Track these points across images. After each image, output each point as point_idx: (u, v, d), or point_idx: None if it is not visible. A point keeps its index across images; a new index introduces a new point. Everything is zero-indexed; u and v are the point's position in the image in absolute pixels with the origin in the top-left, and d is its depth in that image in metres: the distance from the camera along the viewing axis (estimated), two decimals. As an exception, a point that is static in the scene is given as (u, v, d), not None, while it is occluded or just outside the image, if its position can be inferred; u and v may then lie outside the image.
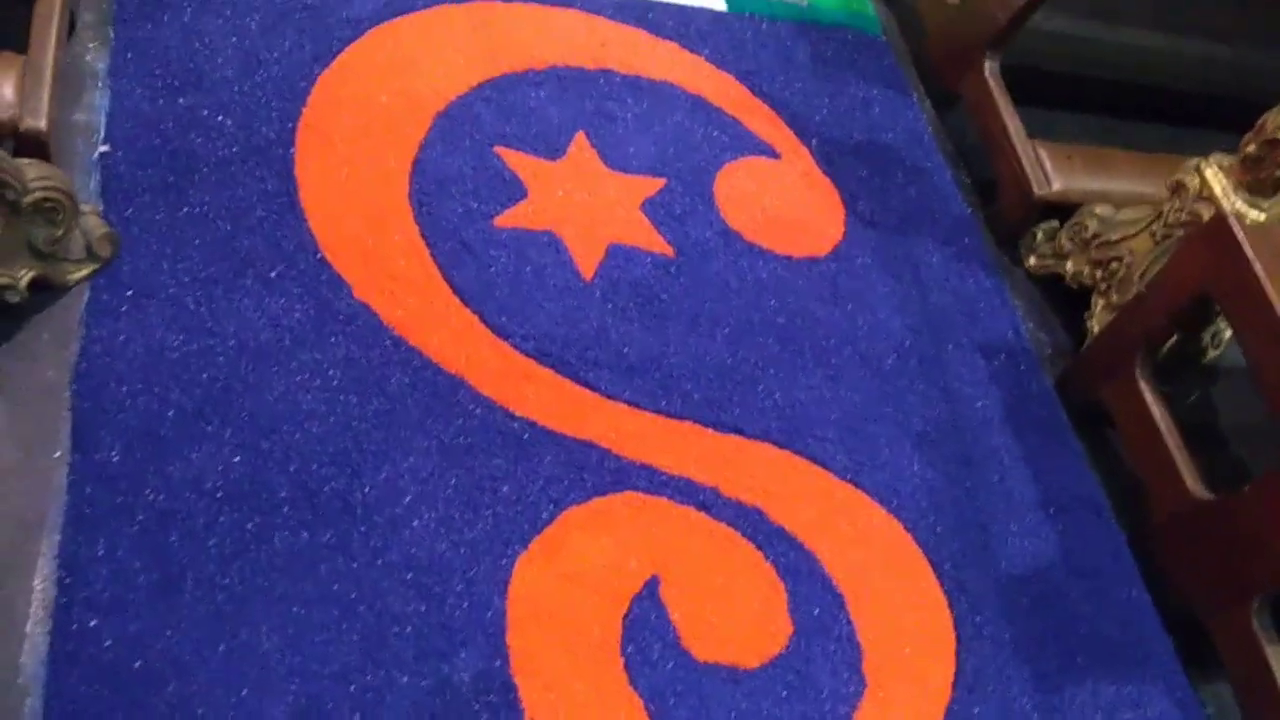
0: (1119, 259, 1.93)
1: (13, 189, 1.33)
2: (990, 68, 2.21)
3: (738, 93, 2.22)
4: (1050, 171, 2.10)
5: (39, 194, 1.36)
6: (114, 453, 1.38)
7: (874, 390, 1.85)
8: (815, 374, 1.83)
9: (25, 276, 1.41)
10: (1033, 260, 2.15)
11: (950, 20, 2.32)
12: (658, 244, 1.91)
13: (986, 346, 2.00)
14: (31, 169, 1.36)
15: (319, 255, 1.67)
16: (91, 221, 1.49)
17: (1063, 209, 2.12)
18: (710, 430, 1.70)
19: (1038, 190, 2.09)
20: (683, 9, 2.33)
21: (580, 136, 2.01)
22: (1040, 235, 2.13)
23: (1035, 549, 1.74)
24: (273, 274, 1.63)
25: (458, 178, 1.86)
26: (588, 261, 1.84)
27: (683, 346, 1.78)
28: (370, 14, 2.03)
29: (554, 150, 1.97)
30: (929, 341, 1.96)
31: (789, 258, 1.98)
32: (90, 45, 1.77)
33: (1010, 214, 2.16)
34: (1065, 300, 2.12)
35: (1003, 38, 2.18)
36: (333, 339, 1.59)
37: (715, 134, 2.13)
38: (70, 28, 1.74)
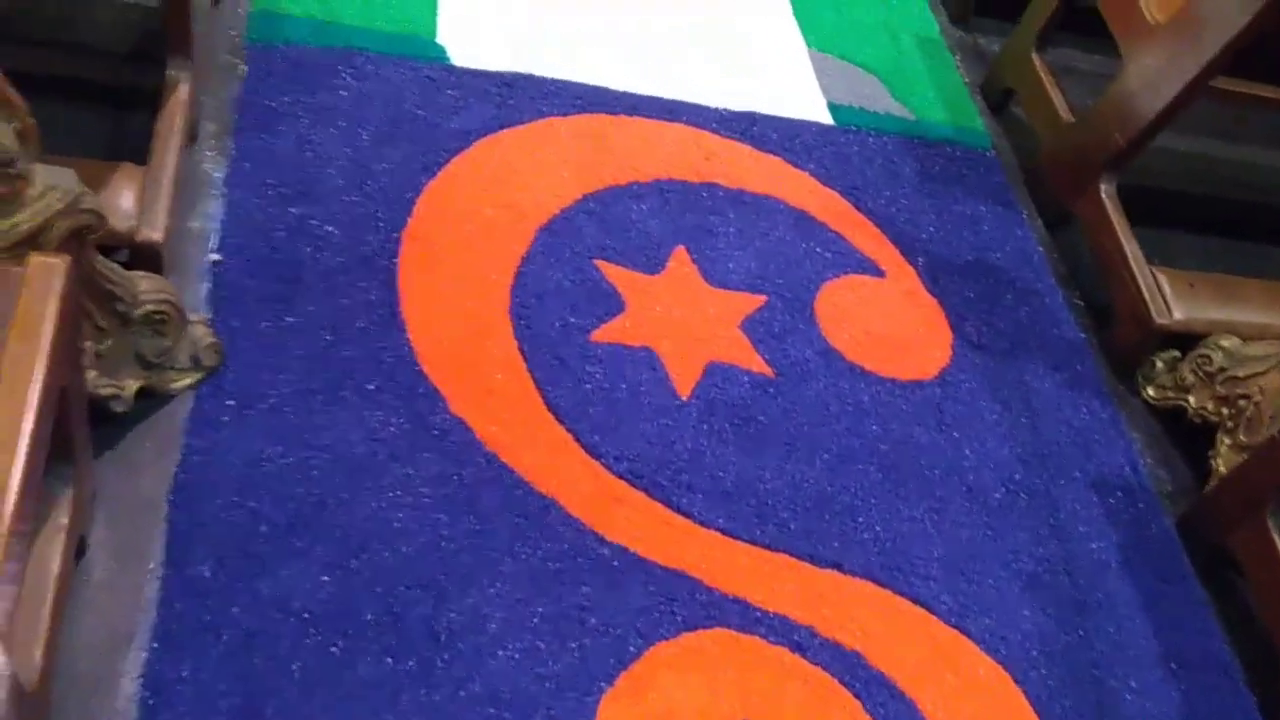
0: (1247, 397, 1.83)
1: (124, 302, 1.35)
2: (1107, 189, 2.14)
3: (842, 208, 2.19)
4: (1171, 299, 2.01)
5: (149, 307, 1.38)
6: (205, 568, 1.37)
7: (981, 526, 1.77)
8: (919, 506, 1.76)
9: (132, 386, 1.43)
10: (1151, 391, 2.05)
11: (1065, 138, 2.27)
12: (756, 363, 1.87)
13: (1101, 482, 1.90)
14: (143, 282, 1.39)
15: (417, 368, 1.67)
16: (199, 331, 1.51)
17: (1184, 338, 2.02)
18: (807, 564, 1.63)
19: (1157, 319, 2.00)
20: (789, 122, 2.32)
21: (681, 251, 1.99)
22: (1160, 365, 2.03)
23: (1155, 711, 1.61)
24: (371, 386, 1.62)
25: (557, 291, 1.85)
26: (685, 380, 1.80)
27: (780, 472, 1.72)
28: (478, 126, 2.05)
29: (654, 264, 1.95)
30: (1040, 475, 1.87)
31: (893, 380, 1.92)
32: (209, 154, 1.82)
33: (1127, 342, 2.07)
34: (1187, 435, 2.00)
35: (1121, 159, 2.11)
36: (426, 454, 1.57)
37: (818, 250, 2.09)
38: (192, 137, 1.79)
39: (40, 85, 1.76)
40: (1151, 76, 2.03)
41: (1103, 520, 1.85)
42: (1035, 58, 2.40)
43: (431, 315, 1.74)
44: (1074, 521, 1.83)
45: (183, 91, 1.65)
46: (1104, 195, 2.13)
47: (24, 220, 1.16)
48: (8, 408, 0.97)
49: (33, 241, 1.18)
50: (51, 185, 1.18)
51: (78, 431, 1.18)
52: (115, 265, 1.34)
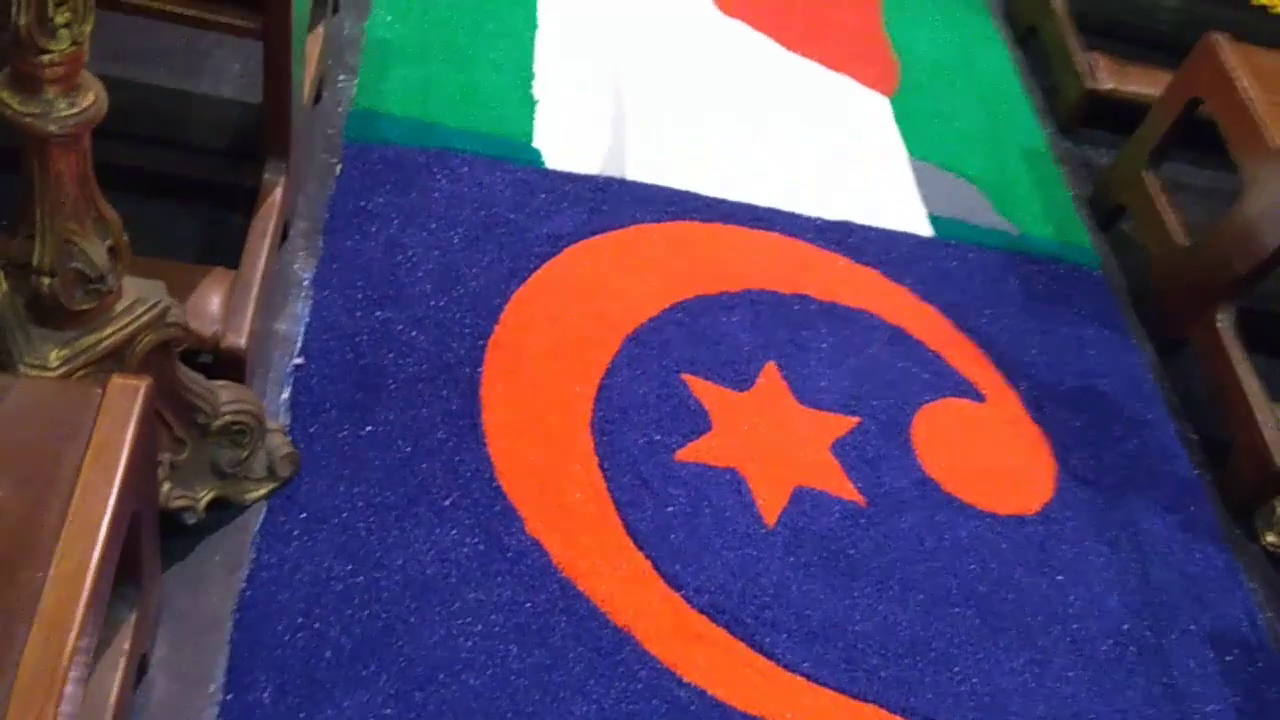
0: (1386, 556, 1.68)
1: (204, 413, 1.33)
2: (1224, 319, 2.02)
3: (941, 326, 2.10)
4: (1296, 441, 1.87)
5: (229, 418, 1.36)
6: (266, 693, 1.32)
7: (1086, 681, 1.64)
8: (1019, 656, 1.63)
9: (205, 497, 1.39)
10: (1271, 538, 1.90)
11: (1180, 262, 2.16)
12: (848, 490, 1.77)
13: (1217, 636, 1.76)
14: (225, 392, 1.36)
15: (495, 484, 1.61)
16: (276, 440, 1.48)
17: (1310, 483, 1.88)
18: (898, 718, 1.52)
19: (1279, 462, 1.86)
20: (887, 234, 2.25)
21: (771, 366, 1.92)
22: (1282, 511, 1.89)
23: None
24: (447, 502, 1.57)
25: (642, 405, 1.79)
26: (771, 506, 1.72)
27: (870, 612, 1.62)
28: (570, 231, 2.03)
29: (743, 380, 1.89)
30: (1150, 626, 1.73)
31: (993, 515, 1.81)
32: (300, 254, 1.81)
33: (1245, 483, 1.93)
34: (1313, 588, 1.86)
35: (1240, 288, 2.00)
36: (499, 579, 1.51)
37: (915, 370, 2.00)
38: (284, 236, 1.79)
39: (142, 182, 1.80)
40: (1275, 203, 1.93)
41: (1219, 679, 1.71)
42: (1147, 175, 2.30)
43: (513, 427, 1.69)
44: (1188, 680, 1.69)
45: (277, 194, 1.64)
46: (1221, 326, 2.01)
47: (110, 334, 1.14)
48: (79, 541, 0.93)
49: (118, 355, 1.16)
50: (139, 299, 1.17)
51: (148, 555, 1.14)
52: (198, 376, 1.32)
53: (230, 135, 1.89)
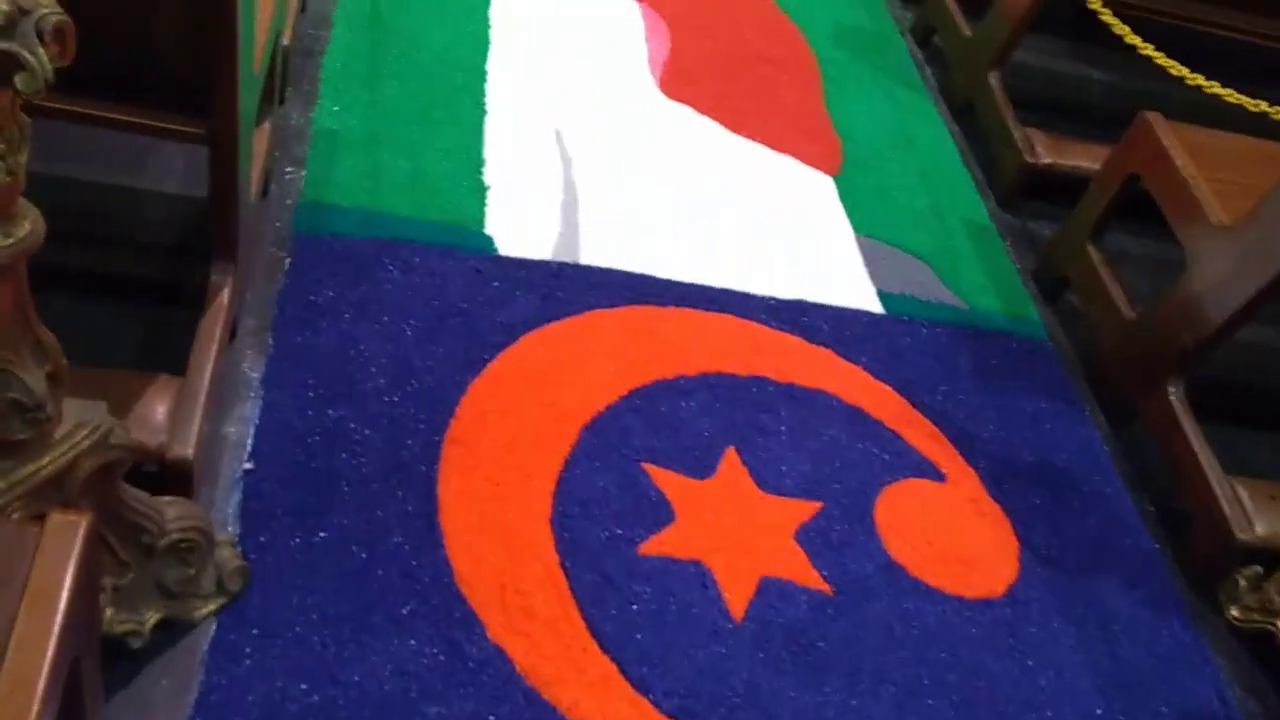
0: (1348, 628, 1.69)
1: (150, 533, 1.27)
2: (1175, 392, 2.04)
3: (897, 405, 2.10)
4: (1252, 513, 1.89)
5: (176, 536, 1.30)
6: (217, 829, 1.25)
7: (1062, 769, 1.61)
8: (993, 747, 1.61)
9: (151, 619, 1.33)
10: (1235, 612, 1.90)
11: (1127, 335, 2.19)
12: (813, 579, 1.75)
13: (1190, 716, 1.75)
14: (171, 508, 1.31)
15: (454, 588, 1.57)
16: (225, 553, 1.42)
17: (1268, 553, 1.89)
18: (875, 819, 1.48)
19: (1238, 534, 1.88)
20: (839, 311, 2.26)
21: (731, 452, 1.90)
22: (1243, 584, 1.89)
23: None
24: (405, 610, 1.52)
25: (602, 498, 1.76)
26: (738, 598, 1.69)
27: (844, 708, 1.59)
28: (524, 319, 2.00)
29: (704, 468, 1.86)
30: (1123, 710, 1.72)
31: (959, 599, 1.80)
32: (248, 352, 1.77)
33: (1206, 556, 1.94)
34: (1277, 659, 1.86)
35: (1190, 361, 2.03)
36: (461, 690, 1.46)
37: (875, 451, 2.00)
38: (231, 335, 1.74)
39: (85, 282, 1.75)
40: (1220, 279, 1.96)
41: (1193, 760, 1.70)
42: (1090, 249, 2.35)
43: (471, 526, 1.65)
44: (1162, 762, 1.68)
45: (224, 296, 1.60)
46: (1173, 399, 2.04)
47: (49, 463, 1.09)
48: (13, 699, 0.87)
49: (58, 482, 1.11)
50: (80, 422, 1.12)
51: (89, 697, 1.08)
52: (142, 495, 1.26)
53: (176, 231, 1.85)
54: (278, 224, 1.98)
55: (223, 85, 1.37)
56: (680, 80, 2.75)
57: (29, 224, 0.95)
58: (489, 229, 2.15)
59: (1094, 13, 2.57)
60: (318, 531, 1.57)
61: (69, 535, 0.96)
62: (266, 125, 1.89)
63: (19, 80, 0.82)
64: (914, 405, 2.12)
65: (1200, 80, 2.18)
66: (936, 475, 1.99)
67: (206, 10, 1.30)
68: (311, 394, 1.74)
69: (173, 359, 1.58)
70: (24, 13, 0.82)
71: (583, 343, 2.01)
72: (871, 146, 2.76)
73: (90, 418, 1.12)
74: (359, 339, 1.86)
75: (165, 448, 1.43)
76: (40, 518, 0.97)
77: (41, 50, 0.82)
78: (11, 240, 0.94)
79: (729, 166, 2.55)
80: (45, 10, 0.83)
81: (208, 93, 1.38)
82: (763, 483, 1.87)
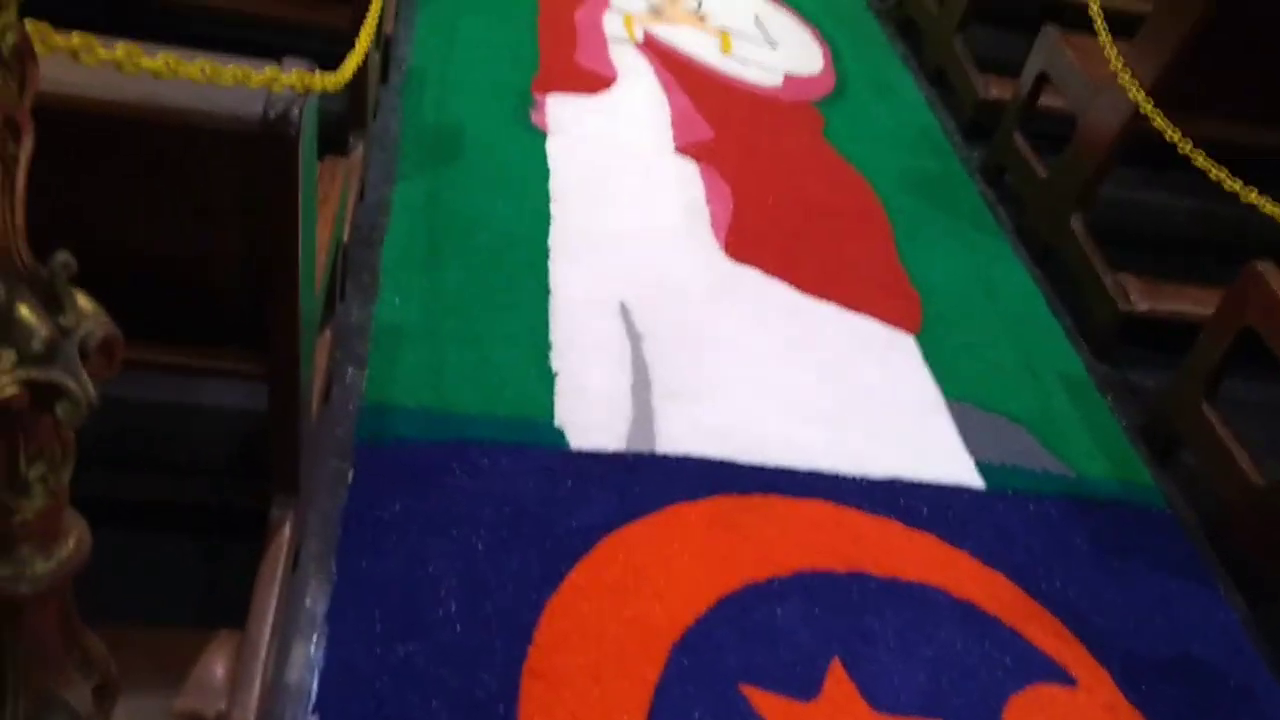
0: None
1: (208, 836, 1.12)
2: (1325, 571, 1.84)
3: (1012, 596, 1.92)
4: None
5: (236, 834, 1.15)
6: None
7: None
8: None
9: None
10: None
11: (1257, 503, 1.99)
12: (942, 817, 1.55)
13: None
14: (232, 801, 1.16)
15: None
16: (291, 836, 1.27)
17: None
18: None
19: None
20: (937, 489, 2.10)
21: (837, 665, 1.73)
22: None
23: None
24: None
25: (700, 731, 1.59)
26: (859, 847, 1.49)
27: None
28: (600, 520, 1.86)
29: (808, 686, 1.69)
30: None
31: (1108, 834, 1.58)
32: (311, 581, 1.64)
33: (1385, 765, 1.71)
34: None
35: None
36: None
37: (995, 654, 1.81)
38: (294, 564, 1.62)
39: (139, 509, 1.65)
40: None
41: None
42: (1206, 407, 2.17)
43: (557, 776, 1.49)
44: None
45: (285, 532, 1.49)
46: (1324, 579, 1.83)
47: (94, 788, 0.96)
48: None
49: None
50: (129, 736, 0.99)
51: None
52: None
53: (235, 448, 1.75)
54: (339, 432, 1.88)
55: (283, 323, 1.27)
56: (746, 241, 2.65)
57: (73, 541, 0.84)
58: (559, 420, 2.03)
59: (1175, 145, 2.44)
60: (391, 795, 1.42)
61: None
62: (328, 334, 1.81)
63: (60, 409, 0.72)
64: (1030, 594, 1.93)
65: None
66: (1067, 680, 1.80)
67: (267, 250, 1.22)
68: (379, 628, 1.60)
69: (232, 597, 1.46)
70: (65, 333, 0.72)
71: (664, 545, 1.86)
72: (952, 299, 2.63)
73: (140, 728, 1.00)
74: (427, 558, 1.73)
75: (224, 716, 1.29)
76: None
77: (85, 375, 0.72)
78: (53, 562, 0.82)
79: (804, 331, 2.42)
80: (90, 326, 0.73)
81: (266, 333, 1.28)
82: (875, 701, 1.69)
